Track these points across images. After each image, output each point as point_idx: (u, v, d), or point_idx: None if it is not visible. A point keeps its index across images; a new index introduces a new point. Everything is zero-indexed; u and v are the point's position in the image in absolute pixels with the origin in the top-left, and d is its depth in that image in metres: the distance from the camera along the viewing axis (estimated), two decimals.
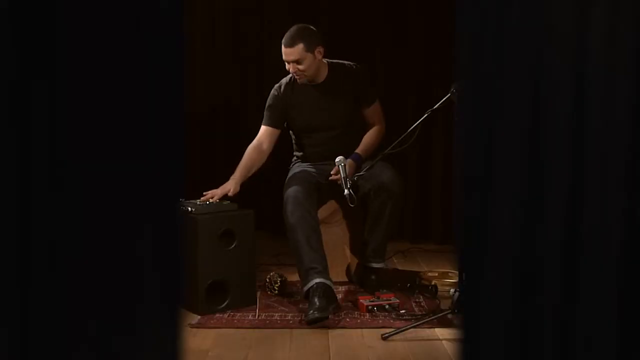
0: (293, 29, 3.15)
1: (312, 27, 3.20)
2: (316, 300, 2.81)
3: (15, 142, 1.29)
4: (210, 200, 3.05)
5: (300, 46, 3.10)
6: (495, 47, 1.51)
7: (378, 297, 2.98)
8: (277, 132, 3.33)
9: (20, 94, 1.28)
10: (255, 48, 4.48)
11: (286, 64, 3.17)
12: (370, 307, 2.92)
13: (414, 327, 2.67)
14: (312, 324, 2.75)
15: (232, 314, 2.93)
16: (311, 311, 2.76)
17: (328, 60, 3.30)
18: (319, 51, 3.17)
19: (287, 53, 3.13)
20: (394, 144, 2.98)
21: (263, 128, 3.34)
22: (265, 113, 3.35)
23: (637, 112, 1.50)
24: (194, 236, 2.87)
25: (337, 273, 3.36)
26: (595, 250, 1.51)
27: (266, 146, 3.30)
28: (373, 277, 3.26)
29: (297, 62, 3.12)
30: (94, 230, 1.34)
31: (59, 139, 1.30)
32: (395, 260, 3.94)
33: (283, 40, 3.14)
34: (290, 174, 3.32)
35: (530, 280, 1.53)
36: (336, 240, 3.42)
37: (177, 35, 1.39)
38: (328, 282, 2.92)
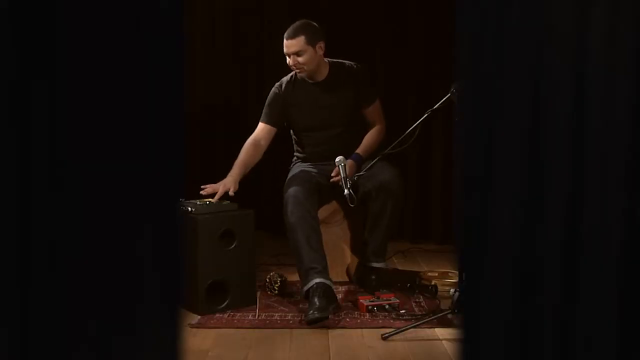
0: (296, 23, 3.18)
1: (314, 23, 3.20)
2: (316, 300, 2.81)
3: (15, 142, 1.29)
4: (211, 200, 3.05)
5: (302, 38, 3.11)
6: (495, 47, 1.51)
7: (378, 297, 2.98)
8: (274, 130, 3.33)
9: (20, 94, 1.28)
10: (255, 48, 4.48)
11: (287, 57, 3.18)
12: (370, 307, 2.92)
13: (414, 327, 2.67)
14: (312, 324, 2.75)
15: (232, 314, 2.93)
16: (311, 311, 2.76)
17: (329, 59, 3.30)
18: (320, 46, 3.17)
19: (288, 45, 3.14)
20: (394, 144, 2.98)
21: (261, 125, 3.33)
22: (264, 110, 3.34)
23: (637, 112, 1.50)
24: (194, 236, 2.87)
25: (337, 273, 3.36)
26: (595, 250, 1.51)
27: (263, 143, 3.30)
28: (373, 277, 3.25)
29: (298, 54, 3.13)
30: (94, 230, 1.34)
31: (59, 139, 1.30)
32: (395, 260, 3.94)
33: (285, 34, 3.16)
34: (290, 174, 3.32)
35: (530, 280, 1.53)
36: (336, 240, 3.42)
37: (177, 35, 1.39)
38: (328, 282, 2.92)
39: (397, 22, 4.33)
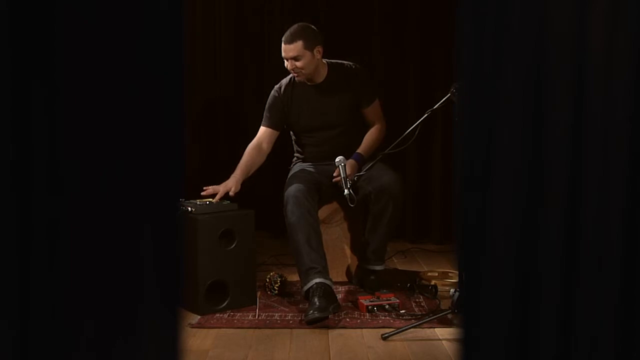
0: (294, 26, 3.17)
1: (313, 26, 3.20)
2: (316, 300, 2.81)
3: (15, 142, 1.29)
4: (211, 200, 3.05)
5: (300, 43, 3.11)
6: (495, 47, 1.51)
7: (378, 297, 2.99)
8: (276, 133, 3.34)
9: (20, 94, 1.28)
10: (255, 48, 4.48)
11: (285, 61, 3.18)
12: (370, 307, 2.92)
13: (414, 327, 2.67)
14: (312, 324, 2.75)
15: (232, 314, 2.93)
16: (311, 311, 2.76)
17: (327, 60, 3.30)
18: (318, 50, 3.17)
19: (286, 50, 3.14)
20: (394, 144, 2.98)
21: (262, 129, 3.34)
22: (265, 114, 3.35)
23: (637, 112, 1.50)
24: (194, 236, 2.87)
25: (337, 273, 3.37)
26: (595, 250, 1.51)
27: (266, 146, 3.31)
28: (372, 277, 3.26)
29: (296, 59, 3.13)
30: (94, 230, 1.34)
31: (59, 139, 1.30)
32: (395, 260, 3.94)
33: (283, 37, 3.16)
34: (290, 174, 3.33)
35: (530, 280, 1.53)
36: (336, 240, 3.43)
37: (177, 35, 1.39)
38: (328, 282, 2.92)
39: (397, 21, 4.33)
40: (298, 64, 3.14)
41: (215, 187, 3.09)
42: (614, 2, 1.48)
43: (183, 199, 3.01)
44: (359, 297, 3.01)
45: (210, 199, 3.07)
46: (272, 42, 4.32)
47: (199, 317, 2.86)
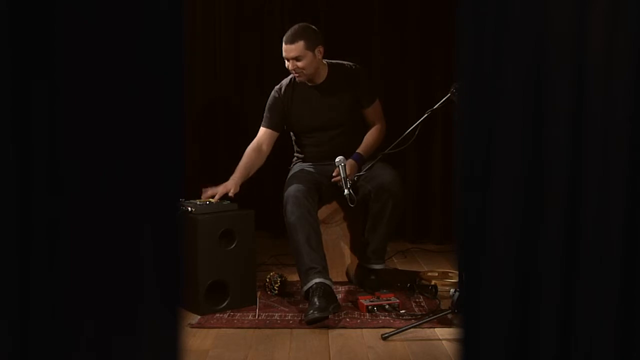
0: (295, 27, 3.16)
1: (313, 26, 3.20)
2: (316, 300, 2.81)
3: (15, 142, 1.29)
4: (211, 200, 3.05)
5: (301, 43, 3.10)
6: (495, 47, 1.51)
7: (378, 297, 2.98)
8: (276, 134, 3.34)
9: (20, 94, 1.28)
10: (255, 48, 4.48)
11: (286, 61, 3.18)
12: (370, 307, 2.92)
13: (414, 327, 2.67)
14: (312, 323, 2.75)
15: (232, 314, 2.93)
16: (311, 311, 2.76)
17: (328, 60, 3.30)
18: (319, 51, 3.17)
19: (287, 50, 3.14)
20: (394, 144, 2.98)
21: (262, 130, 3.34)
22: (265, 114, 3.35)
23: (637, 112, 1.50)
24: (194, 236, 2.87)
25: (337, 273, 3.37)
26: (595, 250, 1.51)
27: (265, 147, 3.30)
28: (373, 277, 3.26)
29: (297, 59, 3.13)
30: (94, 231, 1.34)
31: (59, 139, 1.30)
32: (395, 260, 3.94)
33: (284, 38, 3.15)
34: (290, 174, 3.33)
35: (530, 280, 1.53)
36: (336, 240, 3.43)
37: (177, 35, 1.39)
38: (328, 282, 2.92)
39: (397, 21, 4.33)
40: (299, 64, 3.14)
41: (214, 188, 3.09)
42: (614, 2, 1.48)
43: (183, 199, 3.01)
44: (359, 297, 3.01)
45: (210, 199, 3.07)
46: (272, 42, 4.32)
47: (199, 317, 2.86)
